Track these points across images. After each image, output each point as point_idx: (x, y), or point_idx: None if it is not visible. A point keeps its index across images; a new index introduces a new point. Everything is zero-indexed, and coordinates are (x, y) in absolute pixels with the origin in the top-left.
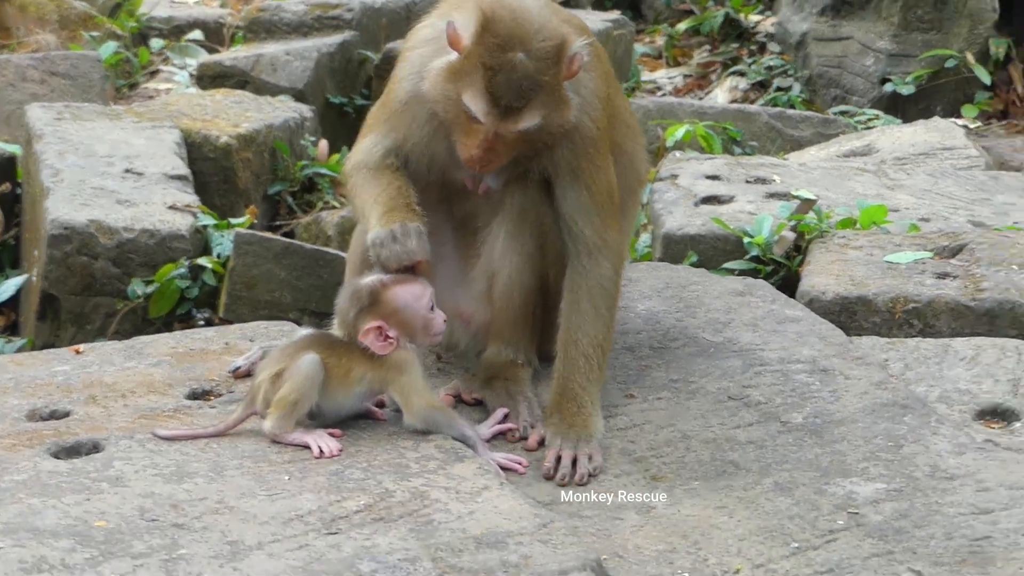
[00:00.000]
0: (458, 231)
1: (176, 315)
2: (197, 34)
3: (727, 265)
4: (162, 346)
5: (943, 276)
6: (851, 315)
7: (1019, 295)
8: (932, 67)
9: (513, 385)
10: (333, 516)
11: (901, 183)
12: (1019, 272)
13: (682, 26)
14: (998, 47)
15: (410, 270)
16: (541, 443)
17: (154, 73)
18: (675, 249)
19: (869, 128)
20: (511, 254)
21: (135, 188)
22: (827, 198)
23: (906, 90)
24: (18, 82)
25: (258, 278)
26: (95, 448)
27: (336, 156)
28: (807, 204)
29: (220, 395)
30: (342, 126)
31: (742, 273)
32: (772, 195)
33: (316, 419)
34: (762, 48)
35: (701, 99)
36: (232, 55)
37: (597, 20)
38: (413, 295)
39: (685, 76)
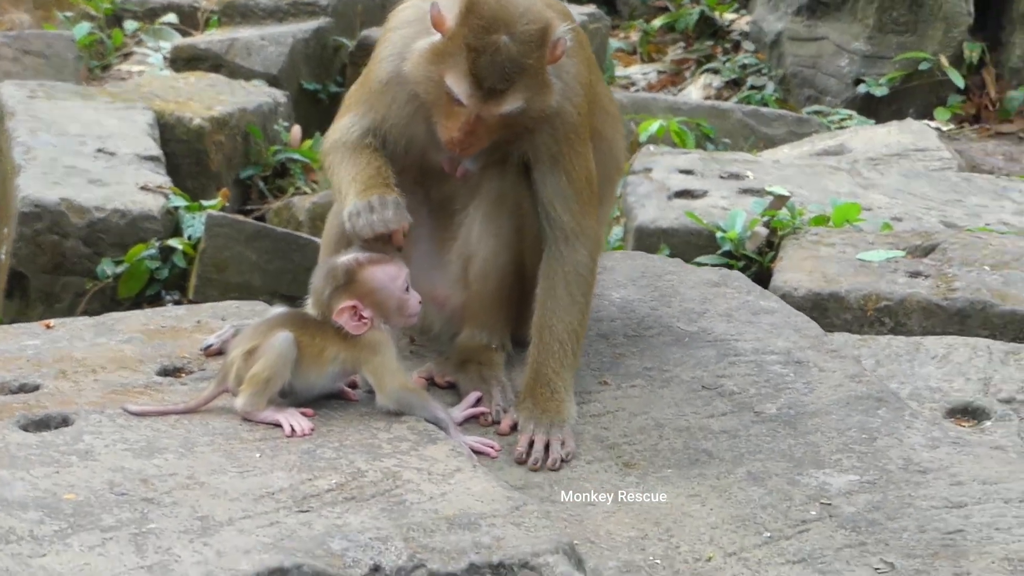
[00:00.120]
0: (434, 214)
1: (145, 296)
2: (171, 17)
3: (699, 259)
4: (133, 323)
5: (915, 275)
6: (823, 311)
7: (991, 296)
8: (906, 69)
9: (487, 369)
10: (304, 494)
11: (874, 182)
12: (991, 273)
13: (657, 22)
14: (972, 51)
15: (387, 242)
16: (514, 428)
17: (127, 55)
18: (648, 242)
19: (842, 128)
20: (487, 238)
21: (107, 168)
22: (800, 195)
23: (879, 91)
24: None
25: (229, 260)
26: (64, 422)
27: (309, 142)
28: (780, 200)
29: (191, 372)
30: (315, 112)
31: (714, 267)
32: (745, 191)
33: (288, 398)
34: (736, 46)
35: (675, 95)
36: (207, 38)
37: (572, 13)
38: (388, 275)
39: (659, 72)
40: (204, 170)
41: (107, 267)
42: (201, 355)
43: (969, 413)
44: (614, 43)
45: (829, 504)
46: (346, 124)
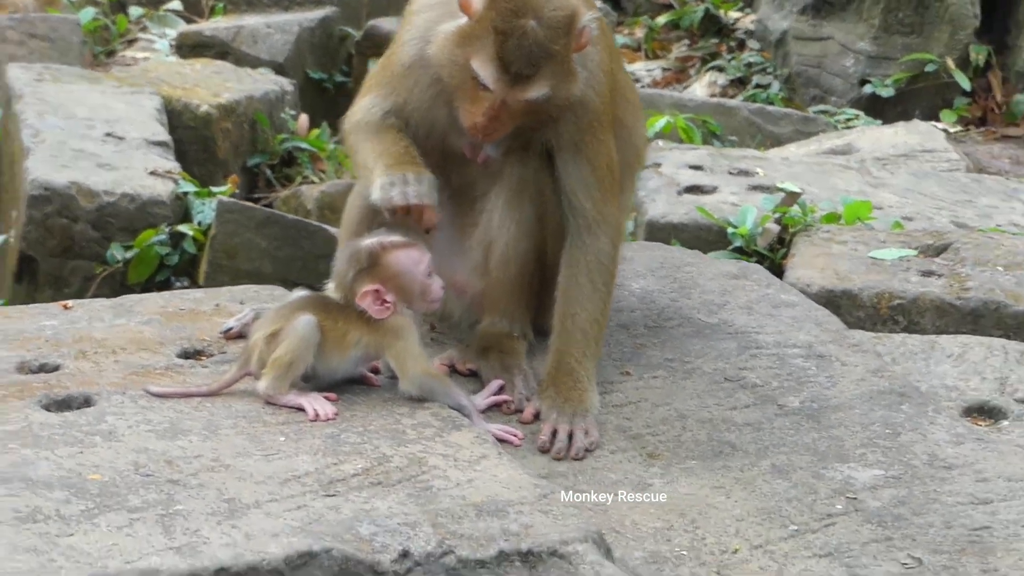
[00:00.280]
0: (455, 200)
1: (155, 281)
2: (176, 4)
3: (710, 255)
4: (151, 305)
5: (928, 274)
6: (836, 308)
7: (1004, 296)
8: (912, 71)
9: (508, 357)
10: (330, 478)
11: (884, 181)
12: (1004, 273)
13: (662, 19)
14: (978, 53)
15: (414, 222)
16: (536, 416)
17: (131, 41)
18: (658, 236)
19: (849, 128)
20: (509, 224)
21: (116, 152)
22: (810, 193)
23: (885, 92)
24: None
25: (239, 247)
26: (86, 402)
27: (316, 131)
28: (792, 197)
29: (212, 355)
30: (321, 101)
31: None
32: (755, 187)
33: (311, 382)
34: (741, 45)
35: (680, 92)
36: (213, 25)
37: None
38: (412, 259)
39: (664, 69)
40: (211, 157)
41: (117, 252)
42: (221, 338)
43: (986, 412)
44: (619, 39)
45: (855, 498)
46: (367, 104)
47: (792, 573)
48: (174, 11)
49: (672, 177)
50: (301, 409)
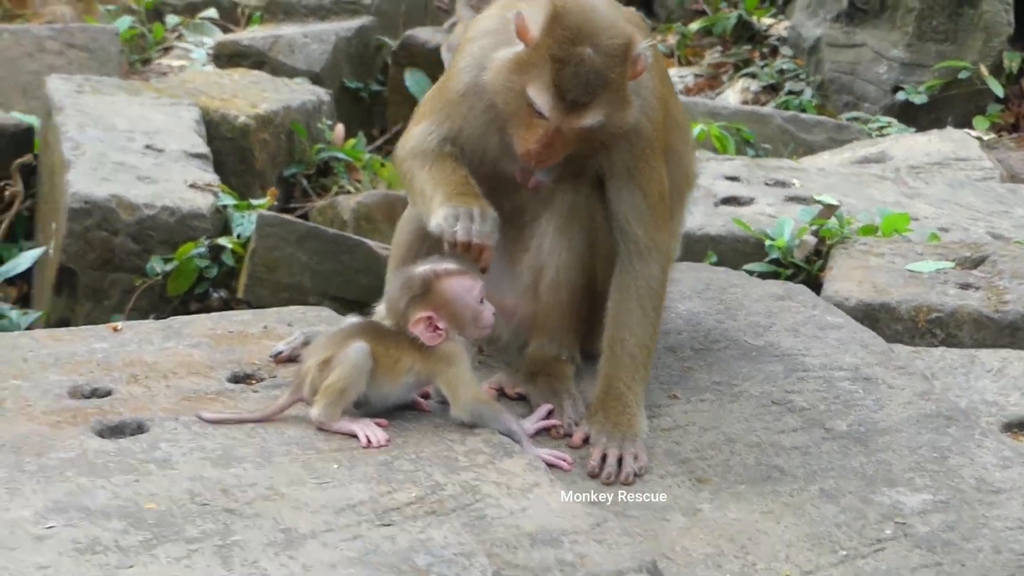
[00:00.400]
0: (505, 224)
1: (194, 294)
2: (211, 12)
3: (747, 267)
4: (200, 327)
5: (966, 287)
6: (874, 322)
7: None
8: (945, 78)
9: (557, 382)
10: (385, 507)
11: (920, 192)
12: None
13: (694, 26)
14: (1012, 61)
15: (472, 256)
16: (585, 441)
17: (167, 49)
18: (695, 248)
19: (883, 136)
20: (560, 250)
21: (155, 165)
22: (847, 204)
23: (918, 99)
24: (36, 52)
25: (279, 261)
26: (140, 428)
27: (352, 140)
28: (829, 209)
29: (262, 379)
30: (357, 111)
31: (762, 275)
32: (792, 198)
33: (362, 408)
34: (774, 51)
35: (712, 99)
36: (250, 35)
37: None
38: (464, 287)
39: (696, 76)
40: (248, 168)
41: (156, 264)
42: (271, 362)
43: None
44: None
45: (904, 523)
46: (423, 131)
47: None
48: (210, 19)
49: (709, 188)
50: (353, 435)
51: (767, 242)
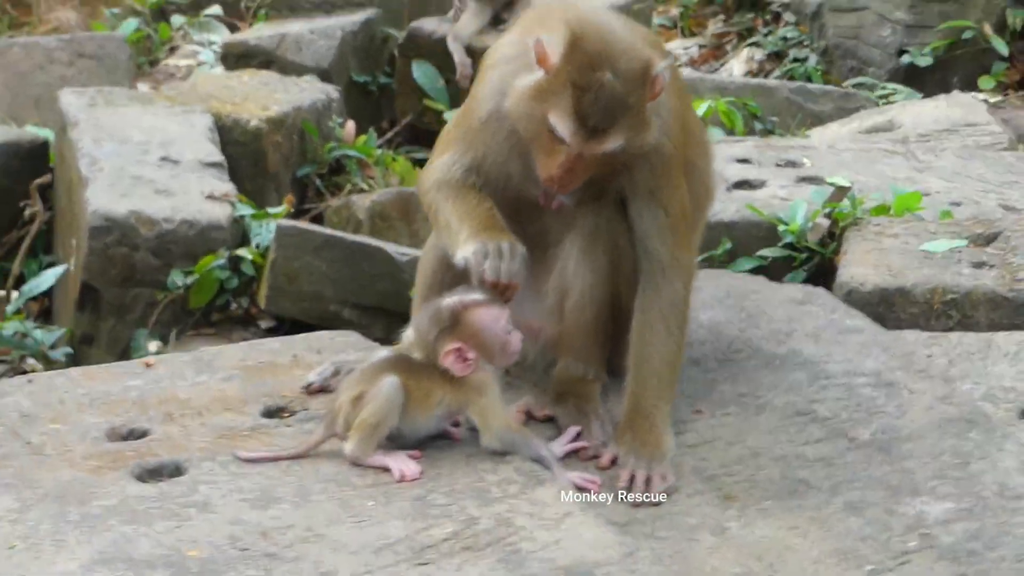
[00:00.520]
0: (529, 246)
1: (215, 305)
2: (216, 9)
3: (762, 252)
4: (231, 358)
5: (980, 265)
6: (890, 306)
7: None
8: (949, 38)
9: (584, 403)
10: (422, 545)
11: (930, 165)
12: None
13: None
14: (1016, 18)
15: (501, 293)
16: (614, 462)
17: (173, 49)
18: (710, 236)
19: (890, 103)
20: (584, 272)
21: (172, 177)
22: (858, 182)
23: (923, 61)
24: (46, 64)
25: (299, 271)
26: (178, 470)
27: (363, 137)
28: (842, 191)
29: (295, 412)
30: (366, 105)
31: (777, 260)
32: (803, 179)
33: (395, 441)
34: (777, 18)
35: (716, 70)
36: (256, 34)
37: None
38: (492, 317)
39: (700, 46)
40: (261, 171)
41: (177, 278)
42: (302, 393)
43: None
44: (654, 19)
45: (928, 534)
46: (447, 162)
47: None
48: (214, 16)
49: (720, 173)
50: (387, 469)
51: (780, 227)
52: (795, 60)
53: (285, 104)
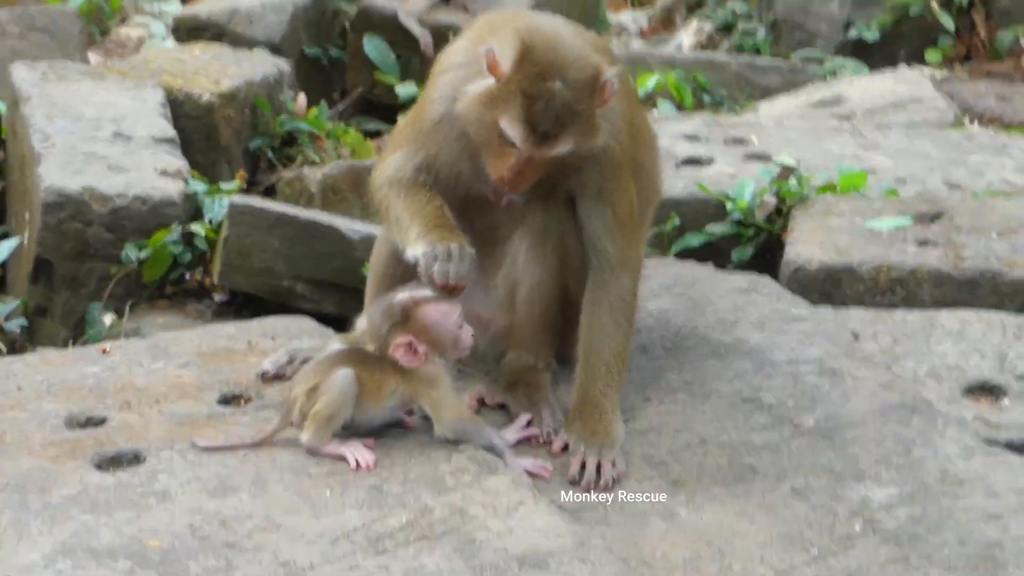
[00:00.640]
0: (478, 241)
1: (169, 279)
2: None
3: (709, 227)
4: (187, 345)
5: (924, 243)
6: (836, 284)
7: (999, 264)
8: (896, 14)
9: (535, 391)
10: (378, 534)
11: (877, 143)
12: (998, 241)
13: None
14: None
15: (450, 292)
16: (565, 448)
17: (125, 19)
18: (658, 213)
19: (837, 77)
20: (533, 267)
21: (125, 153)
22: (805, 160)
23: (871, 36)
24: None
25: (252, 247)
26: (136, 459)
27: (314, 110)
28: (787, 171)
29: (250, 399)
30: (318, 78)
31: (725, 237)
32: (751, 156)
33: (349, 430)
34: None
35: (666, 42)
36: (208, 7)
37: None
38: (443, 313)
39: (650, 18)
40: (213, 145)
41: (131, 252)
42: (258, 381)
43: (987, 391)
44: None
45: (872, 519)
46: (399, 161)
47: None
48: None
49: (669, 150)
50: (343, 458)
51: (728, 204)
52: (744, 33)
53: (237, 78)
